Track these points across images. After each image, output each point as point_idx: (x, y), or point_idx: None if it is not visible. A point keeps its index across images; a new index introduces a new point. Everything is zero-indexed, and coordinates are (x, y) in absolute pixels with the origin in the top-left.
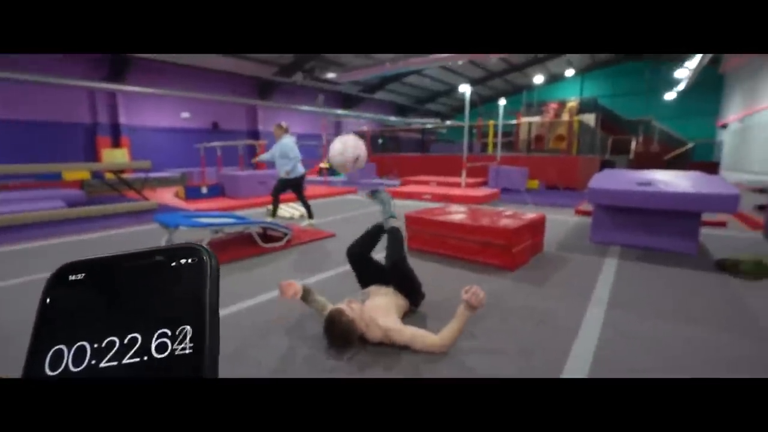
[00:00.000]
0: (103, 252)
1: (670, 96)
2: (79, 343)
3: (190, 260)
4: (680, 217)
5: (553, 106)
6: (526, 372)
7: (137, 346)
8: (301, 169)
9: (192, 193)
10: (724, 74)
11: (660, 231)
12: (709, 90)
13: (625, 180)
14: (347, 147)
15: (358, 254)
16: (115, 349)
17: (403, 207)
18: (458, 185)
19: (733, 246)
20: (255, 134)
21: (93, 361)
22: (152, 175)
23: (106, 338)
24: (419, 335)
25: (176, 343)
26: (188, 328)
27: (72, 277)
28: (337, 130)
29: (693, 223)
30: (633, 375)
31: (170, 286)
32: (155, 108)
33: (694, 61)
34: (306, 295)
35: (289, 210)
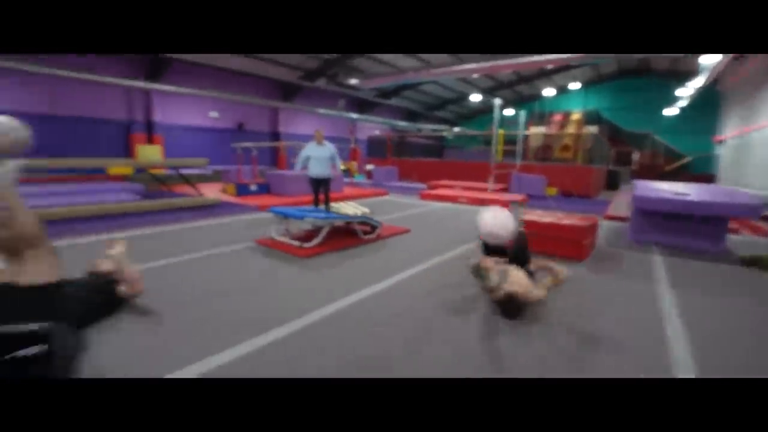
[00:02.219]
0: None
1: (670, 112)
2: None
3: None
4: (710, 222)
5: (558, 117)
6: (635, 328)
7: None
8: None
9: (242, 190)
10: (721, 92)
11: (694, 233)
12: (706, 107)
13: (660, 190)
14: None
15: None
16: None
17: (438, 209)
18: (483, 190)
19: (750, 248)
20: (276, 135)
21: None
22: (187, 171)
23: None
24: (542, 293)
25: None
26: None
27: None
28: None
29: (722, 227)
30: (714, 334)
31: None
32: (186, 107)
33: (700, 80)
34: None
35: (352, 208)
